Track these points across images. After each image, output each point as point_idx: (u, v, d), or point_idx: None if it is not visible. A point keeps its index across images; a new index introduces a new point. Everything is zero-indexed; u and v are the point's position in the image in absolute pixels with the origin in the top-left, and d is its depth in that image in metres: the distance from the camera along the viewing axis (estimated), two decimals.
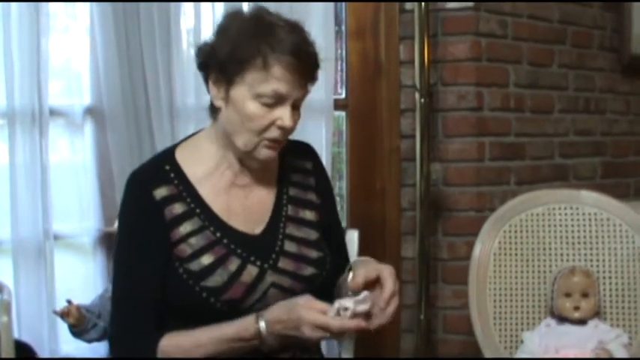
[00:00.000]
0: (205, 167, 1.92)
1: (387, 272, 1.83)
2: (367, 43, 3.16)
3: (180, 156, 1.93)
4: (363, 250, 2.40)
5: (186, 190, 1.89)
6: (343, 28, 3.23)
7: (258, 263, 1.88)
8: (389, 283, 1.81)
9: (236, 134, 1.85)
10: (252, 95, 1.81)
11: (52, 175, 3.02)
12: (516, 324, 2.46)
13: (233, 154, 1.91)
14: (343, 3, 3.21)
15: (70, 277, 3.14)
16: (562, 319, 2.30)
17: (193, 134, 2.01)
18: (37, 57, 2.98)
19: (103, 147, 3.16)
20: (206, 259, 1.85)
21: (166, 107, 3.13)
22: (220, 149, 1.92)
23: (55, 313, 2.78)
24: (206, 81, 1.91)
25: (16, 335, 2.72)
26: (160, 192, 1.87)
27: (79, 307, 2.75)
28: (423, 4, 2.97)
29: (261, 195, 1.96)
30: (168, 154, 1.95)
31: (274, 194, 1.97)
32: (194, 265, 1.85)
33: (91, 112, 3.17)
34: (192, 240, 1.86)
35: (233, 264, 1.86)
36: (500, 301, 2.47)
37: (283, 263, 1.90)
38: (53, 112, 3.06)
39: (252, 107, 1.82)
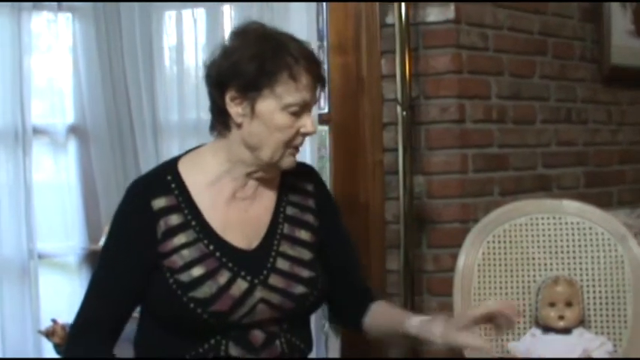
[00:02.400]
0: (207, 179, 1.94)
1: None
2: (349, 57, 3.17)
3: (182, 167, 1.95)
4: None
5: (184, 202, 1.91)
6: (325, 43, 3.24)
7: (249, 278, 1.89)
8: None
9: (263, 147, 1.89)
10: (280, 107, 1.86)
11: (35, 193, 3.03)
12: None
13: (242, 167, 1.94)
14: (325, 18, 3.23)
15: (55, 296, 3.14)
16: (547, 328, 2.31)
17: (196, 147, 2.03)
18: (20, 76, 3.00)
19: (86, 165, 3.18)
20: (196, 271, 1.87)
21: (150, 124, 3.15)
22: (225, 163, 1.94)
23: (41, 332, 2.79)
24: (219, 98, 1.90)
25: (0, 354, 2.71)
26: (159, 202, 1.89)
27: (64, 326, 2.75)
28: (403, 18, 2.98)
29: (260, 211, 1.98)
30: (172, 164, 1.97)
31: (272, 212, 1.99)
32: (184, 277, 1.86)
33: (74, 130, 3.19)
34: (185, 252, 1.88)
35: (223, 277, 1.87)
36: None
37: (274, 280, 1.92)
38: (36, 131, 3.07)
39: (282, 118, 1.87)
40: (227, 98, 1.88)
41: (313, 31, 3.11)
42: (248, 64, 1.85)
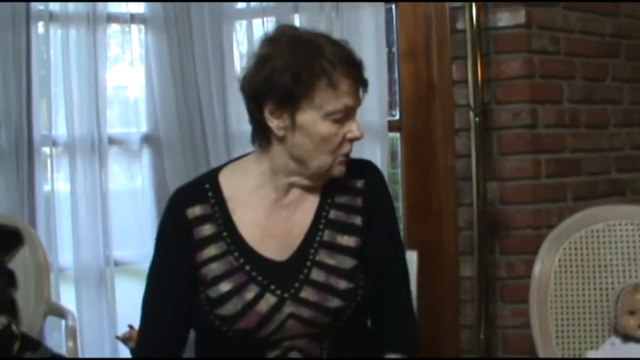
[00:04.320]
0: (247, 188, 1.88)
1: None
2: (419, 64, 3.17)
3: (223, 177, 1.91)
4: (421, 271, 2.40)
5: (219, 211, 1.86)
6: (395, 50, 3.24)
7: (278, 292, 1.81)
8: None
9: (310, 158, 1.81)
10: (322, 116, 1.78)
11: (111, 202, 3.08)
12: (579, 342, 2.42)
13: (286, 177, 1.87)
14: (395, 25, 3.23)
15: (131, 302, 3.17)
16: (627, 337, 2.26)
17: (240, 157, 1.98)
18: (95, 87, 3.06)
19: (160, 173, 3.22)
20: (224, 286, 1.81)
21: (222, 133, 3.18)
22: (267, 173, 1.87)
23: (117, 338, 2.82)
24: (257, 112, 1.83)
25: None
26: (194, 211, 1.86)
27: None
28: (474, 23, 2.96)
29: (303, 216, 1.89)
30: (212, 173, 1.94)
31: (312, 217, 1.89)
32: (213, 292, 1.82)
33: (147, 139, 3.23)
34: (214, 265, 1.83)
35: (250, 292, 1.80)
36: (563, 320, 2.44)
37: (306, 293, 1.81)
38: (111, 141, 3.13)
39: (326, 127, 1.79)
40: (266, 112, 1.80)
41: (382, 38, 3.11)
42: (283, 75, 1.76)
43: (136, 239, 3.19)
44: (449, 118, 3.11)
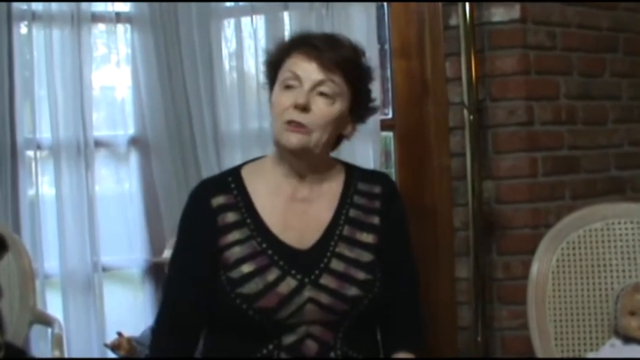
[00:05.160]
0: (266, 182, 1.98)
1: None
2: (412, 61, 3.13)
3: (245, 172, 2.01)
4: None
5: (242, 201, 1.95)
6: (387, 47, 3.20)
7: (299, 277, 1.89)
8: None
9: (272, 126, 1.94)
10: (279, 85, 1.93)
11: (98, 206, 3.02)
12: (579, 344, 2.39)
13: (288, 165, 1.96)
14: (386, 22, 3.18)
15: (119, 308, 3.14)
16: (628, 338, 2.23)
17: (261, 156, 2.08)
18: (81, 89, 3.00)
19: (148, 177, 3.16)
20: (246, 268, 1.89)
21: (211, 134, 3.12)
22: (281, 166, 1.97)
23: (106, 345, 2.79)
24: None
25: None
26: (218, 200, 1.95)
27: (129, 339, 2.75)
28: (468, 19, 2.91)
29: (320, 212, 1.97)
30: (235, 169, 2.04)
31: (333, 213, 1.98)
32: (235, 274, 1.89)
33: (135, 142, 3.17)
34: (237, 248, 1.91)
35: (272, 274, 1.89)
36: (561, 321, 2.40)
37: (326, 280, 1.90)
38: (97, 143, 3.07)
39: (280, 95, 1.92)
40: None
41: (374, 35, 3.06)
42: (269, 70, 1.99)
43: (124, 244, 3.14)
44: (443, 116, 3.07)
